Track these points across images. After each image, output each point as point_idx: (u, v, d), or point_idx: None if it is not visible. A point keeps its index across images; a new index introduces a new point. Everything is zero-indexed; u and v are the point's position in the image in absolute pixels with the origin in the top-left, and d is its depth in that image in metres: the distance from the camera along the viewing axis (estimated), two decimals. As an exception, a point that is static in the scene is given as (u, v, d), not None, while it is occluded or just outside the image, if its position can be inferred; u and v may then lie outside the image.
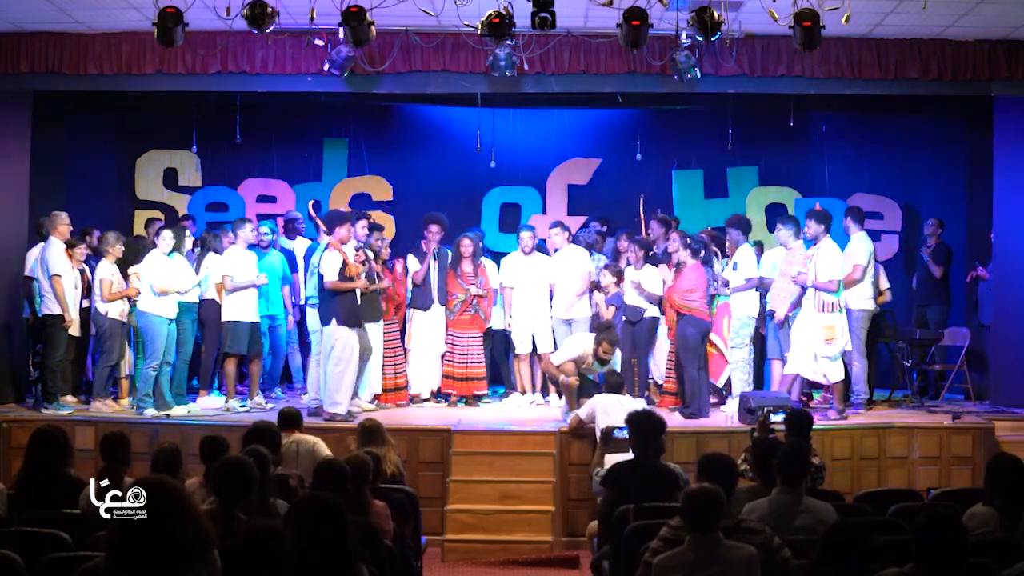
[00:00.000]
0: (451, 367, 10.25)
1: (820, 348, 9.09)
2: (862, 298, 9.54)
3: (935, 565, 3.77)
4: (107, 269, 9.39)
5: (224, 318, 9.71)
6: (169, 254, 9.35)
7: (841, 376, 9.16)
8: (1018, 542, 4.51)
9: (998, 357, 10.09)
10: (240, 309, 9.72)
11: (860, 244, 9.61)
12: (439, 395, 10.35)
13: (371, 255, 9.58)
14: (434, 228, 10.33)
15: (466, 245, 10.28)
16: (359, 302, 9.19)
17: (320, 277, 9.10)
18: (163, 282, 9.19)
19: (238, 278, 9.69)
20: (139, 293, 9.23)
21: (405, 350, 10.19)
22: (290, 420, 6.78)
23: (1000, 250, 10.11)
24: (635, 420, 6.22)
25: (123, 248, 9.51)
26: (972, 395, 10.34)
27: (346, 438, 7.00)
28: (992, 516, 4.87)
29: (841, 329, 9.14)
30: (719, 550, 4.29)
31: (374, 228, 10.09)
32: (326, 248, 9.14)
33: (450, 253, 10.39)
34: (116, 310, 9.37)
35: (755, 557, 4.30)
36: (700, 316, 9.35)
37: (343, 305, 8.96)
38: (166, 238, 9.39)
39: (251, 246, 10.08)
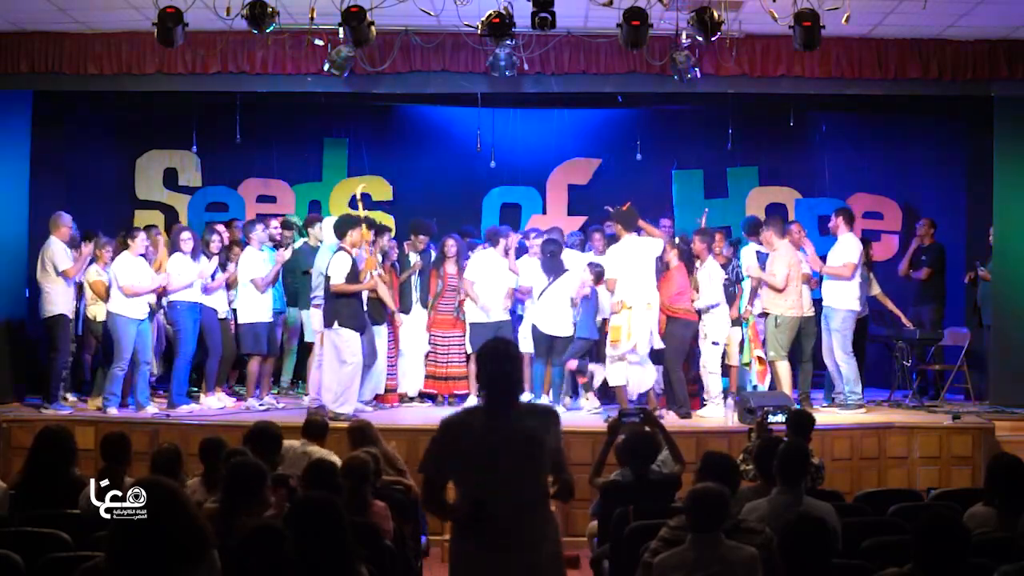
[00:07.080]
0: (434, 367, 10.23)
1: (608, 349, 9.03)
2: (848, 298, 9.55)
3: (935, 565, 3.77)
4: (95, 273, 9.42)
5: (241, 320, 9.79)
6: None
7: (622, 381, 9.06)
8: (1018, 542, 4.52)
9: (998, 357, 10.09)
10: (255, 310, 9.75)
11: (852, 243, 9.65)
12: (423, 396, 10.31)
13: (380, 258, 9.56)
14: (422, 237, 10.33)
15: (450, 245, 10.19)
16: (364, 305, 9.18)
17: (326, 279, 9.08)
18: (129, 283, 9.14)
19: (259, 279, 9.71)
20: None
21: (398, 352, 10.17)
22: (313, 431, 6.70)
23: (1000, 250, 10.09)
24: (633, 444, 6.17)
25: (112, 252, 9.49)
26: (972, 395, 10.34)
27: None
28: (992, 516, 4.88)
29: (628, 331, 8.99)
30: (720, 550, 4.28)
31: (382, 230, 10.06)
32: (337, 251, 9.13)
33: (433, 253, 10.36)
34: (103, 312, 9.36)
35: (756, 558, 4.28)
36: (689, 318, 9.35)
37: (347, 308, 8.96)
38: (140, 239, 9.36)
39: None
